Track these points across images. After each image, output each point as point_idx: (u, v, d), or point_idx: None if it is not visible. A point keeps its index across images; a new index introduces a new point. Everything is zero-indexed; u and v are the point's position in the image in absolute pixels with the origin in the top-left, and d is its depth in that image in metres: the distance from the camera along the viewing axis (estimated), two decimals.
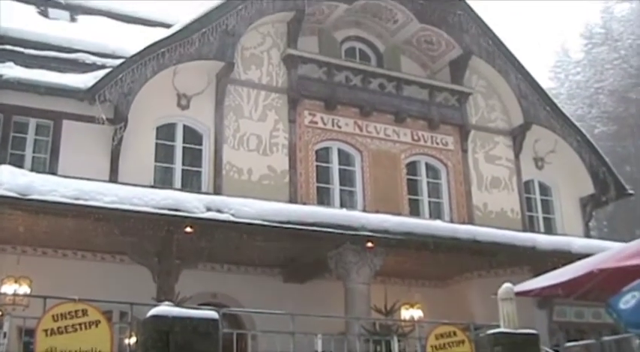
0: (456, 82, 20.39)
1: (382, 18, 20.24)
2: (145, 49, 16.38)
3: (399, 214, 16.84)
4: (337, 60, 19.15)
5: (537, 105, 20.85)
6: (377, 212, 15.99)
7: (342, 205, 17.89)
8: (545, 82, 48.14)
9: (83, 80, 16.01)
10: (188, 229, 12.68)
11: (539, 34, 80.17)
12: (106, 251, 14.70)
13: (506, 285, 10.27)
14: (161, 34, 17.37)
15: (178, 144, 17.14)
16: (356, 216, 14.49)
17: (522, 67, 21.05)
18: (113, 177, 15.54)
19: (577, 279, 9.10)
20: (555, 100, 22.26)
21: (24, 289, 13.54)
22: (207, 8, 17.83)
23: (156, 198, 12.60)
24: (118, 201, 12.22)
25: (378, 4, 19.76)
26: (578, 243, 16.11)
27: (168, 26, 18.51)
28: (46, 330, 8.21)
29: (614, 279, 8.39)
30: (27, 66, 16.10)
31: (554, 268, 10.94)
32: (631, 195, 22.88)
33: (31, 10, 19.50)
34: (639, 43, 39.52)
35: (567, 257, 13.78)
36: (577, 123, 22.02)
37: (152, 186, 14.63)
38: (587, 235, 21.30)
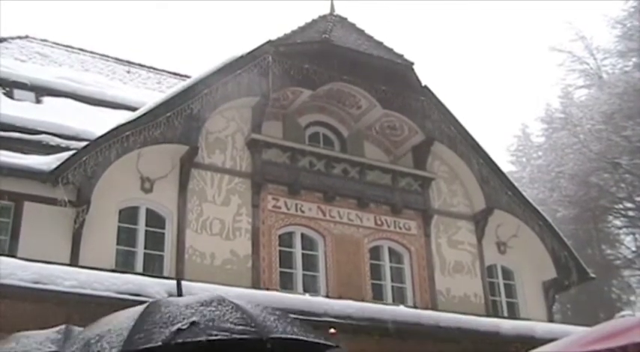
0: (418, 168, 20.60)
1: (346, 104, 20.50)
2: (109, 131, 16.41)
3: (362, 299, 16.80)
4: (301, 145, 19.32)
5: (499, 190, 21.06)
6: (340, 297, 15.93)
7: (305, 290, 17.79)
8: (507, 166, 48.73)
9: (46, 162, 15.93)
10: None
11: (500, 118, 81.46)
12: None
13: None
14: (126, 116, 17.42)
15: (141, 227, 17.04)
16: (318, 302, 14.42)
17: (484, 152, 21.33)
18: (74, 261, 15.34)
19: None
20: (517, 184, 22.52)
21: None
22: (172, 92, 18.00)
23: (117, 283, 12.44)
24: (78, 285, 12.05)
25: (342, 91, 20.04)
26: (541, 327, 16.12)
27: (133, 109, 18.58)
28: None
29: None
30: None
31: None
32: (593, 278, 23.04)
33: None
34: (598, 128, 40.10)
35: (531, 342, 13.72)
36: (539, 208, 22.20)
37: (113, 270, 14.46)
38: (551, 319, 21.31)
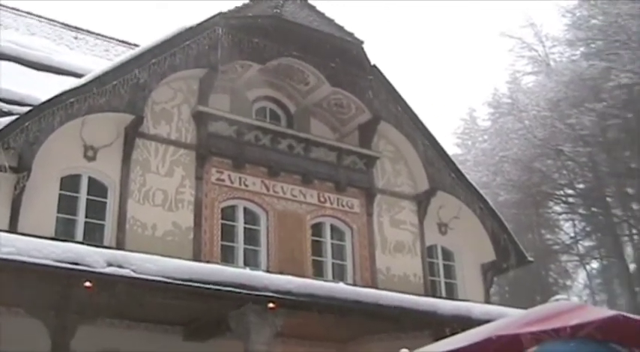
0: (364, 146, 20.65)
1: (294, 79, 20.44)
2: (53, 97, 16.13)
3: (303, 275, 16.84)
4: (248, 119, 19.23)
5: (443, 171, 21.21)
6: (281, 273, 15.94)
7: (246, 264, 17.82)
8: (453, 148, 49.27)
9: None
10: (87, 284, 12.41)
11: (448, 101, 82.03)
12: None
13: (403, 351, 10.30)
14: (72, 83, 17.17)
15: (82, 196, 16.81)
16: (259, 277, 14.42)
17: (429, 134, 21.42)
18: (13, 227, 15.09)
19: (475, 345, 9.18)
20: (461, 167, 22.71)
21: None
22: (120, 60, 17.79)
23: (56, 251, 12.27)
24: (16, 252, 11.87)
25: (291, 66, 19.97)
26: (478, 309, 16.32)
27: (79, 76, 18.30)
28: None
29: (511, 346, 8.53)
30: None
31: (454, 333, 11.03)
32: (531, 262, 23.42)
33: None
34: (543, 115, 40.71)
35: (467, 322, 13.87)
36: (482, 191, 22.45)
37: (53, 238, 14.28)
38: (488, 301, 21.61)
